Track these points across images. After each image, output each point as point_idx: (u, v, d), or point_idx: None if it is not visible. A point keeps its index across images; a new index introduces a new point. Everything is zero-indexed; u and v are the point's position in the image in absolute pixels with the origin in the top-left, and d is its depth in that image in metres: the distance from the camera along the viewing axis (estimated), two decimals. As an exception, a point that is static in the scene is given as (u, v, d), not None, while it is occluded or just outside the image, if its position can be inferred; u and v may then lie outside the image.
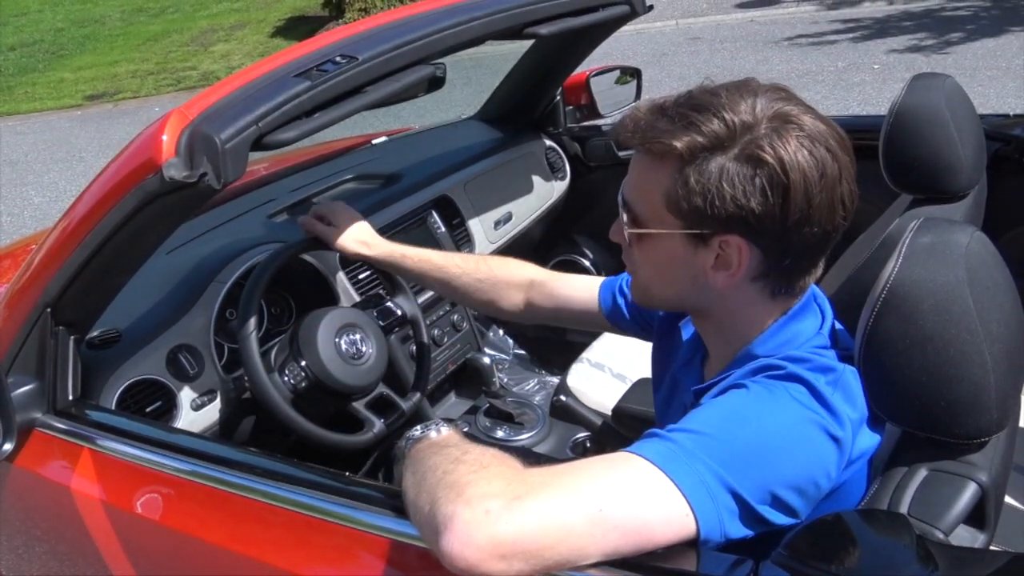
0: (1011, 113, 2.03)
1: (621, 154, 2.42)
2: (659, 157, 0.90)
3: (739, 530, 0.81)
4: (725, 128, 0.86)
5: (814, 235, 0.89)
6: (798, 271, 0.94)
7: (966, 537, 0.86)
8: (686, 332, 1.18)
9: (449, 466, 0.82)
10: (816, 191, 0.86)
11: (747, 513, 0.81)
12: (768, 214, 0.87)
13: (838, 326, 1.01)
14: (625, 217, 0.97)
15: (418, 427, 0.97)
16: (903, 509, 0.85)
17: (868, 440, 0.91)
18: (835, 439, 0.86)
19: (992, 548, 0.88)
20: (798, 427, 0.85)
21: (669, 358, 1.20)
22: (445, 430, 0.96)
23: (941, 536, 0.82)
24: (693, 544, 0.80)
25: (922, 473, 0.88)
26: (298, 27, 11.64)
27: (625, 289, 1.32)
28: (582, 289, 1.38)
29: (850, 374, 0.92)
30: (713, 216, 0.88)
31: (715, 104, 0.87)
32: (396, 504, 0.95)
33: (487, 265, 1.48)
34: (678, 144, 0.87)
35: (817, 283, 1.00)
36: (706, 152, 0.87)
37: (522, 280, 1.44)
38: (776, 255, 0.91)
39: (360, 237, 1.57)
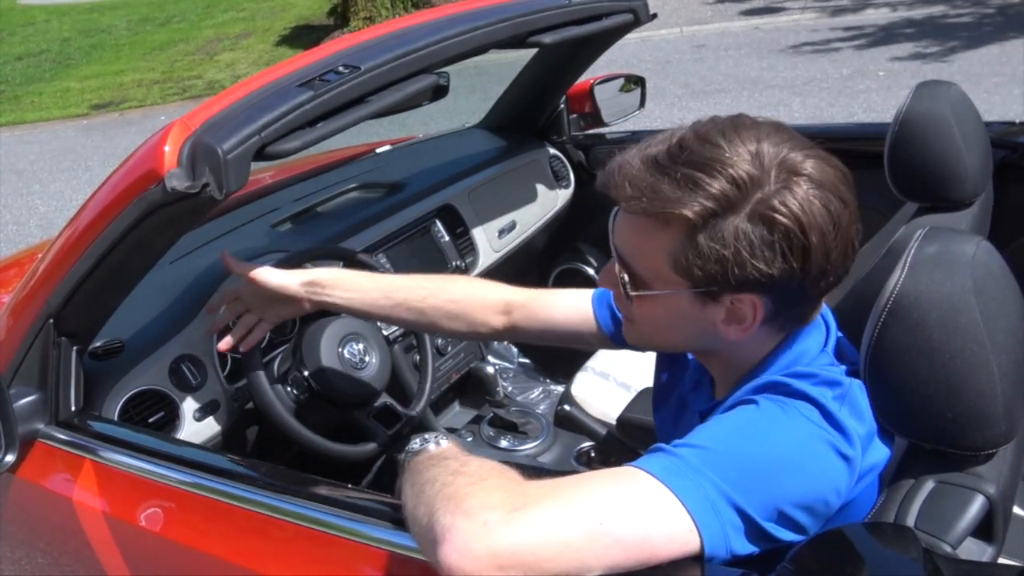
0: (1017, 120, 2.02)
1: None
2: (664, 221, 0.85)
3: (745, 547, 0.80)
4: (735, 188, 0.82)
5: (829, 284, 0.88)
6: (810, 310, 0.94)
7: (974, 550, 0.85)
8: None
9: (448, 478, 0.82)
10: (833, 244, 0.84)
11: (753, 530, 0.80)
12: (788, 274, 0.84)
13: (842, 340, 1.00)
14: (626, 277, 0.92)
15: (417, 439, 0.96)
16: (910, 522, 0.84)
17: (878, 454, 0.90)
18: (845, 457, 0.84)
19: (1000, 561, 0.88)
20: (807, 444, 0.84)
21: (675, 377, 1.19)
22: (445, 442, 0.95)
23: (948, 549, 0.82)
24: (697, 560, 0.79)
25: (929, 485, 0.87)
26: (303, 36, 11.66)
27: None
28: (571, 308, 1.29)
29: (857, 388, 0.91)
30: (728, 281, 0.85)
31: (719, 159, 0.83)
32: (399, 517, 0.94)
33: (449, 294, 1.33)
34: (689, 213, 0.82)
35: None
36: (717, 216, 0.83)
37: (496, 302, 1.33)
38: (790, 303, 0.90)
39: (292, 293, 1.37)
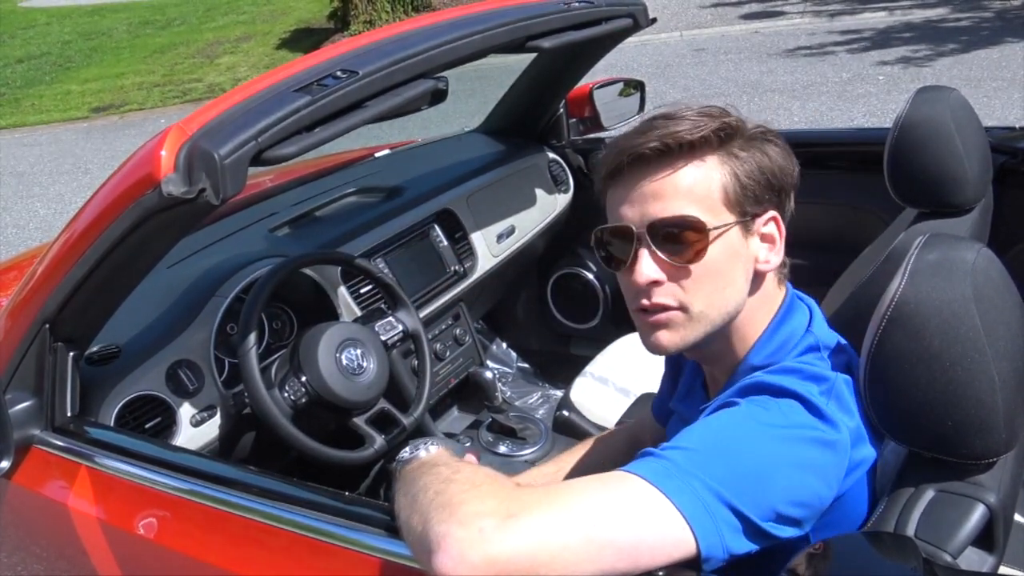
0: (1017, 125, 2.01)
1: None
2: (691, 158, 0.93)
3: (742, 545, 0.81)
4: (726, 115, 0.95)
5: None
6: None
7: (974, 560, 0.84)
8: (686, 363, 1.19)
9: (440, 486, 0.82)
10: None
11: (749, 528, 0.81)
12: (790, 174, 0.97)
13: (824, 320, 1.04)
14: (687, 237, 0.93)
15: (407, 447, 0.97)
16: (910, 531, 0.83)
17: (867, 450, 0.91)
18: (832, 447, 0.86)
19: (1001, 571, 0.87)
20: (794, 440, 0.85)
21: (672, 390, 1.23)
22: (434, 448, 0.96)
23: (949, 559, 0.81)
24: (695, 564, 0.79)
25: (929, 494, 0.87)
26: (303, 39, 11.68)
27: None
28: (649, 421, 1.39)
29: (843, 383, 0.92)
30: (760, 196, 0.95)
31: (692, 107, 0.96)
32: (395, 525, 0.94)
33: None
34: (708, 132, 0.92)
35: (822, 296, 1.01)
36: (730, 138, 0.94)
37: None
38: (784, 221, 0.99)
39: None
